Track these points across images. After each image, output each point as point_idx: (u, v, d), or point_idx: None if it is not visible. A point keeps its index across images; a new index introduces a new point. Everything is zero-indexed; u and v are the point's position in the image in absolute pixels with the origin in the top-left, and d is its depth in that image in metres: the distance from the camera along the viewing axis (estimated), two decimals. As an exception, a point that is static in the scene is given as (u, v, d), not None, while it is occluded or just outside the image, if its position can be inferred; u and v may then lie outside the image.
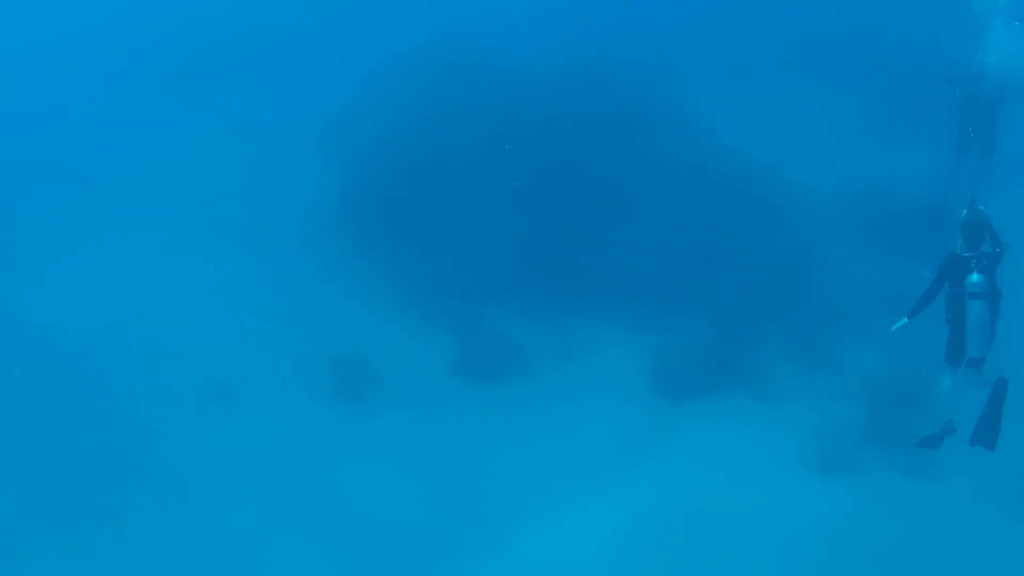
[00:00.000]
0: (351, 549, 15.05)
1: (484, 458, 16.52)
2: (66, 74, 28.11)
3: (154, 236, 23.26)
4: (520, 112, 21.62)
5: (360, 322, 19.70)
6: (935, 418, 13.05)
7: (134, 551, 15.34)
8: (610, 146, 21.29)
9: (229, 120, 25.67)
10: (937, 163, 19.80)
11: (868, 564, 13.81)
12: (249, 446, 17.19)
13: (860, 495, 14.92)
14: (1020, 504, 14.58)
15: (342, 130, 23.09)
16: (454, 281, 19.96)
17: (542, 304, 19.58)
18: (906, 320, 12.88)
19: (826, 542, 14.16)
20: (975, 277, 11.65)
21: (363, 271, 20.89)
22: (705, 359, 17.75)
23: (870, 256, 19.67)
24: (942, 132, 19.47)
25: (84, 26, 28.35)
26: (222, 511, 15.93)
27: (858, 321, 18.22)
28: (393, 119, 22.01)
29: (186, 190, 24.27)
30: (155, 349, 19.76)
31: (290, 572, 14.82)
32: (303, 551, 15.12)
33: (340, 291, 20.59)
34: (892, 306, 17.71)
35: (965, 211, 12.16)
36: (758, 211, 20.62)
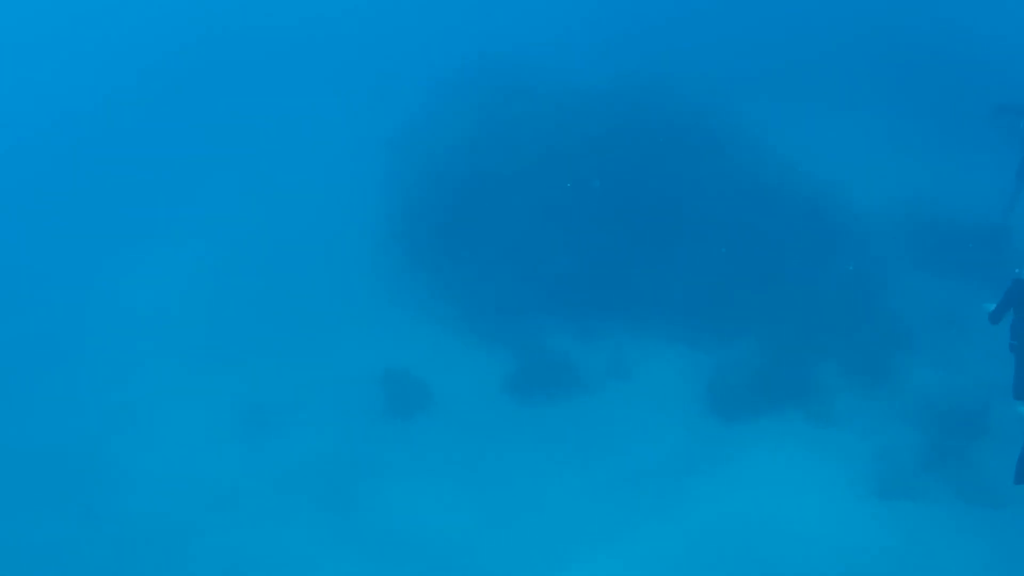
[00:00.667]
0: (404, 570, 15.03)
1: (537, 478, 16.38)
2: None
3: (205, 247, 23.63)
4: (577, 127, 21.64)
5: (412, 338, 19.69)
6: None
7: (186, 572, 15.47)
8: (668, 161, 21.21)
9: (287, 133, 25.89)
10: (998, 186, 19.44)
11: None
12: (300, 465, 17.25)
13: (918, 522, 14.60)
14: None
15: (399, 145, 23.30)
16: (508, 296, 19.91)
17: (597, 319, 19.46)
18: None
19: (883, 570, 13.90)
20: None
21: (416, 286, 20.91)
22: (762, 379, 17.51)
23: (931, 278, 19.37)
24: (1005, 155, 19.24)
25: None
26: (273, 531, 15.99)
27: (918, 344, 17.99)
28: (449, 135, 22.12)
29: (240, 202, 24.67)
30: (201, 363, 20.01)
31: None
32: (355, 572, 15.09)
33: (393, 307, 20.63)
34: (952, 328, 17.71)
35: None
36: (819, 229, 20.43)
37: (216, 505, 16.61)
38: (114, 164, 26.85)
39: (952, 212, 20.28)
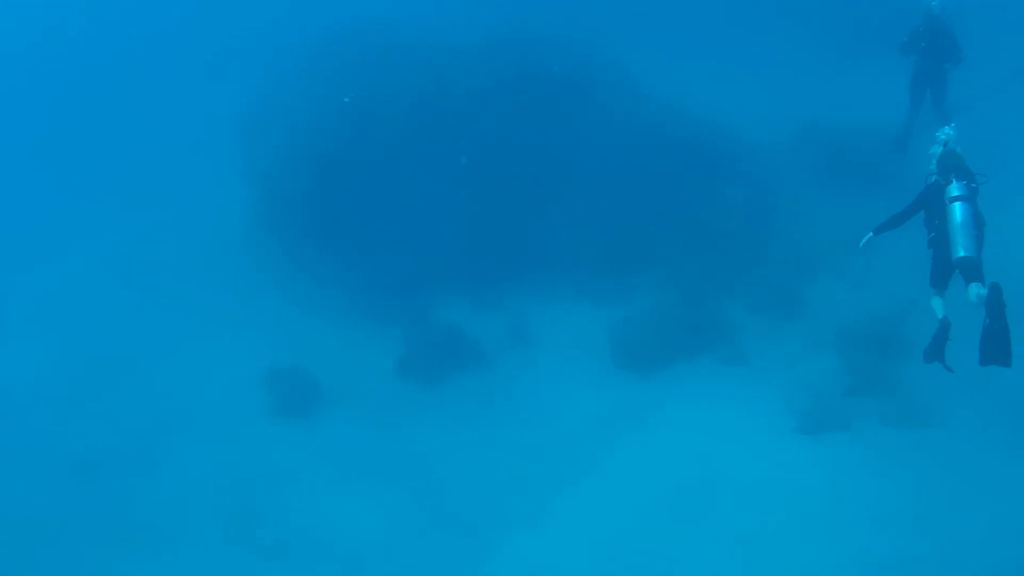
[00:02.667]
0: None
1: (453, 460, 15.50)
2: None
3: (58, 249, 22.44)
4: (446, 88, 20.50)
5: (293, 331, 18.61)
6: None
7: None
8: (546, 114, 20.22)
9: (133, 124, 24.49)
10: (891, 98, 18.95)
11: (868, 521, 12.95)
12: (192, 480, 16.07)
13: (846, 451, 14.03)
14: (1013, 443, 13.58)
15: (257, 125, 21.90)
16: (390, 275, 18.79)
17: (489, 287, 18.65)
18: (871, 235, 12.88)
19: (823, 503, 13.31)
20: (955, 184, 11.60)
21: (290, 275, 19.80)
22: (668, 326, 16.80)
23: (830, 199, 18.79)
24: (892, 66, 18.81)
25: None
26: (181, 558, 14.84)
27: (825, 268, 17.44)
28: (312, 110, 20.76)
29: (91, 202, 23.54)
30: (63, 377, 18.84)
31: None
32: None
33: (267, 300, 19.51)
34: (857, 247, 17.09)
35: (940, 148, 12.23)
36: (706, 165, 19.78)
37: (105, 533, 15.41)
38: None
39: (844, 131, 19.74)
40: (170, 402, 17.70)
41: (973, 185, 11.65)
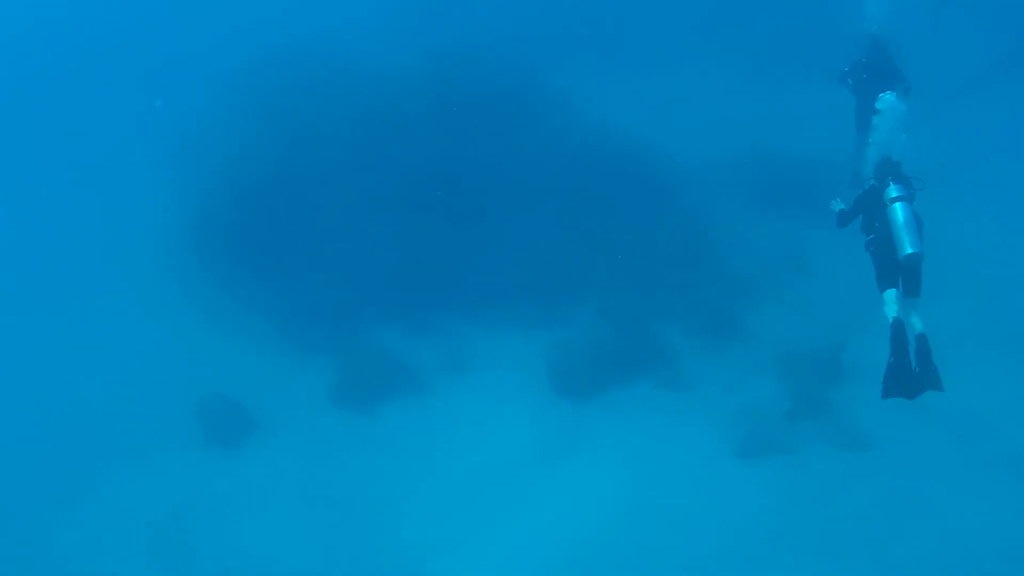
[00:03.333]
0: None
1: (388, 488, 15.09)
2: None
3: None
4: (379, 114, 20.27)
5: (223, 360, 17.99)
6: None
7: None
8: (480, 138, 20.01)
9: (56, 141, 23.82)
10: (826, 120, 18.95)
11: (812, 545, 12.80)
12: (121, 516, 15.50)
13: (790, 475, 13.86)
14: (954, 464, 13.64)
15: (185, 147, 21.41)
16: (322, 301, 18.36)
17: (423, 313, 18.27)
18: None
19: (766, 528, 13.11)
20: (893, 185, 11.67)
21: (221, 301, 19.10)
22: (605, 351, 16.52)
23: (767, 223, 18.66)
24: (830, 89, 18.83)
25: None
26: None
27: (763, 291, 17.31)
28: (243, 131, 20.40)
29: (13, 223, 22.54)
30: None
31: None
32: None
33: (196, 327, 18.83)
34: (797, 270, 17.12)
35: (878, 155, 12.26)
36: (644, 189, 19.55)
37: (27, 568, 14.93)
38: None
39: (782, 155, 19.73)
40: (97, 433, 17.15)
41: (911, 190, 11.73)
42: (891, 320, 11.21)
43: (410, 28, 22.64)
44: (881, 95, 12.59)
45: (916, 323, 11.19)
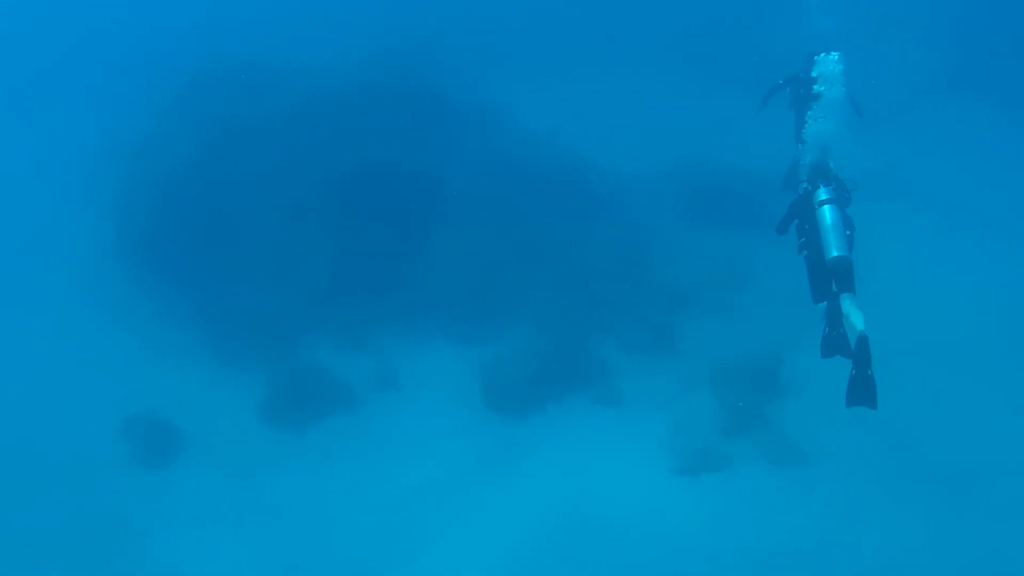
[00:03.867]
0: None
1: (320, 507, 14.69)
2: None
3: None
4: (308, 124, 20.01)
5: (150, 376, 17.41)
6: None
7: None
8: (410, 149, 19.80)
9: None
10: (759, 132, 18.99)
11: (750, 561, 12.75)
12: (47, 537, 14.77)
13: (728, 491, 13.79)
14: (892, 480, 13.69)
15: (111, 157, 20.81)
16: (251, 315, 17.85)
17: (355, 328, 17.84)
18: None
19: (704, 544, 13.02)
20: (822, 188, 11.80)
21: (145, 316, 18.57)
22: (541, 365, 16.31)
23: (702, 235, 18.67)
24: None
25: None
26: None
27: (698, 305, 17.24)
28: (169, 140, 19.85)
29: None
30: None
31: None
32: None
33: (121, 342, 18.19)
34: (732, 283, 17.07)
35: (810, 157, 12.48)
36: (576, 201, 19.53)
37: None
38: None
39: (716, 168, 19.79)
40: (18, 452, 16.42)
41: (845, 194, 11.90)
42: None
43: (344, 35, 22.38)
44: (816, 104, 13.00)
45: (856, 322, 11.11)
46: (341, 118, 19.99)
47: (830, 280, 11.51)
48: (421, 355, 17.31)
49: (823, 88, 13.38)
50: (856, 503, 13.25)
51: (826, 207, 11.53)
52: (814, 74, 13.51)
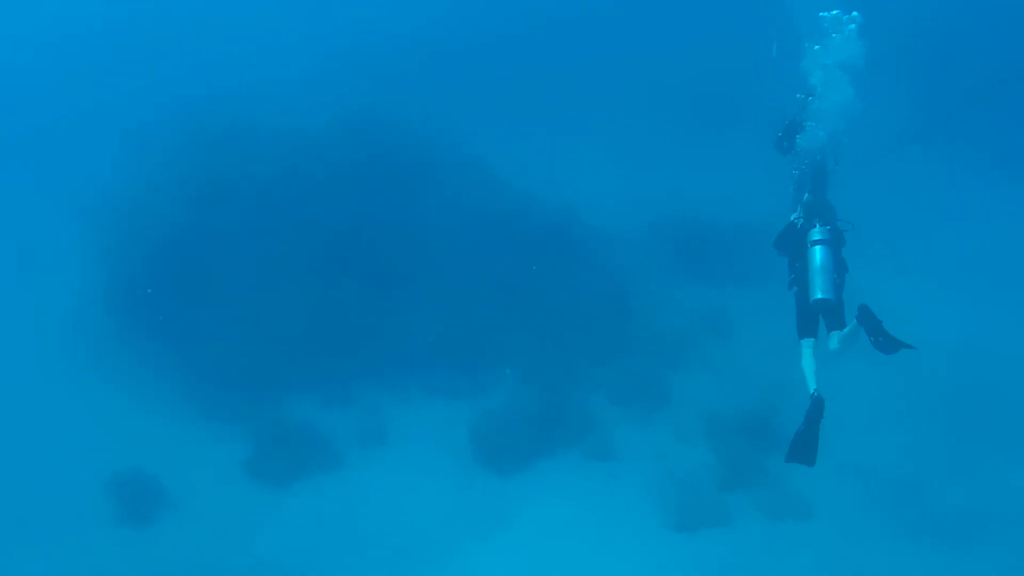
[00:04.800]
0: None
1: (304, 566, 14.29)
2: None
3: None
4: (294, 179, 19.86)
5: (134, 433, 16.97)
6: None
7: None
8: (396, 204, 19.69)
9: None
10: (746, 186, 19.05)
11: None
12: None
13: (727, 547, 13.50)
14: (891, 529, 13.55)
15: (98, 210, 20.48)
16: (235, 370, 17.52)
17: (340, 384, 17.60)
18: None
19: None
20: (816, 228, 11.48)
21: (131, 370, 18.24)
22: (530, 419, 16.08)
23: (687, 284, 18.71)
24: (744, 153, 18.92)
25: None
26: None
27: (688, 357, 17.15)
28: (156, 194, 19.68)
29: None
30: None
31: None
32: None
33: (106, 398, 17.81)
34: (721, 334, 16.99)
35: (807, 196, 12.10)
36: (562, 256, 19.40)
37: None
38: None
39: (698, 217, 19.90)
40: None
41: (839, 232, 11.62)
42: (811, 391, 10.82)
43: (326, 91, 22.35)
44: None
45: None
46: (327, 175, 19.89)
47: (817, 318, 11.30)
48: (408, 410, 17.10)
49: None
50: (856, 557, 13.03)
51: (817, 248, 11.30)
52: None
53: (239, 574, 14.33)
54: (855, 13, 12.96)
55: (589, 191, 20.79)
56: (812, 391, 10.72)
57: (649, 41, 24.27)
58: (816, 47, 15.25)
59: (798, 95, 14.59)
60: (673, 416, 16.02)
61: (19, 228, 22.47)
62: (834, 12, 12.98)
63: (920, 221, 20.03)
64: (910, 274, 18.36)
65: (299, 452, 16.19)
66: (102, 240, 19.79)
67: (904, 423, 14.54)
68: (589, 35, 24.92)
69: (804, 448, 10.56)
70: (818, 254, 11.26)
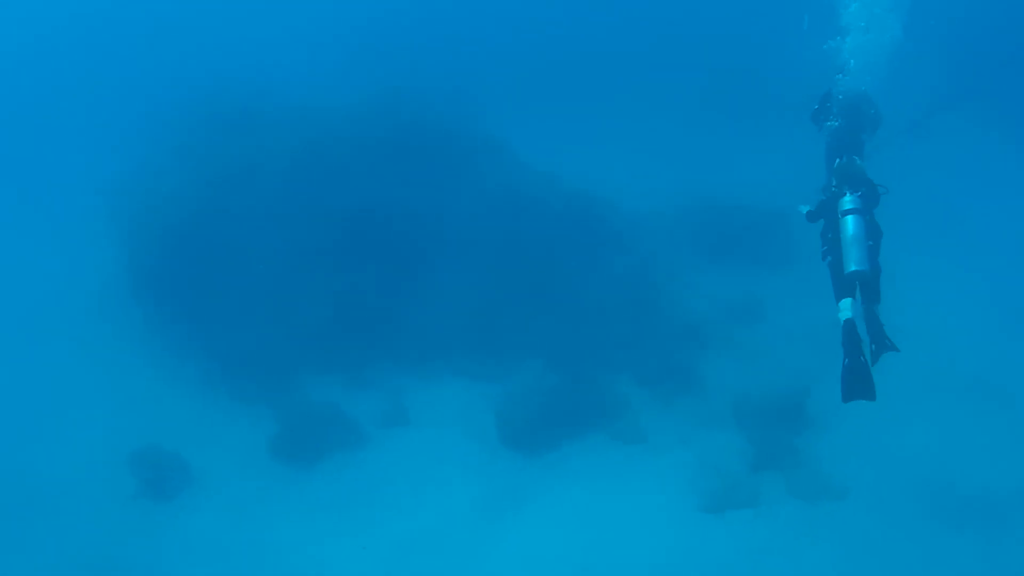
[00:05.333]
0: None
1: (327, 546, 14.13)
2: None
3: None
4: (319, 159, 19.64)
5: (159, 409, 17.01)
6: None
7: None
8: (422, 185, 19.47)
9: None
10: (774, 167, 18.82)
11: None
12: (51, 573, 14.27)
13: (758, 530, 13.19)
14: (928, 510, 13.25)
15: (123, 190, 20.44)
16: (260, 350, 17.48)
17: (364, 364, 17.48)
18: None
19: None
20: (848, 197, 11.03)
21: (157, 348, 18.25)
22: (555, 403, 15.79)
23: (715, 268, 18.50)
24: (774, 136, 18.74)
25: None
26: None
27: (716, 339, 16.93)
28: (180, 175, 19.59)
29: None
30: None
31: None
32: None
33: (131, 375, 17.88)
34: (747, 317, 16.78)
35: (838, 161, 11.67)
36: (589, 236, 19.23)
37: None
38: None
39: (726, 201, 19.64)
40: (22, 484, 15.97)
41: (869, 201, 11.22)
42: (843, 321, 10.58)
43: (352, 72, 22.22)
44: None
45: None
46: (349, 157, 19.69)
47: (855, 286, 10.86)
48: (431, 391, 16.93)
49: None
50: (890, 539, 12.72)
51: (849, 217, 10.88)
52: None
53: (259, 551, 14.18)
54: None
55: (615, 173, 20.55)
56: (843, 320, 10.44)
57: (675, 20, 24.04)
58: None
59: (837, 75, 14.37)
60: (702, 398, 15.78)
61: (45, 211, 22.48)
62: None
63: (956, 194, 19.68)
64: (947, 252, 18.11)
65: (322, 433, 16.05)
66: (126, 222, 19.70)
67: (941, 405, 14.26)
68: (614, 16, 24.71)
69: (858, 382, 10.21)
70: (850, 224, 10.84)
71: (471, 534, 14.02)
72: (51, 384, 18.08)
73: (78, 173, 22.57)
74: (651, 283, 18.21)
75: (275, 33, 24.23)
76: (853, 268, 10.63)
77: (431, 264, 18.54)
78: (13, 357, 18.97)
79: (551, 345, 17.07)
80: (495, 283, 18.09)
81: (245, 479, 15.58)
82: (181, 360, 17.93)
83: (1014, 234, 18.95)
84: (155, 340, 18.46)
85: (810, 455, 14.05)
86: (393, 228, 18.76)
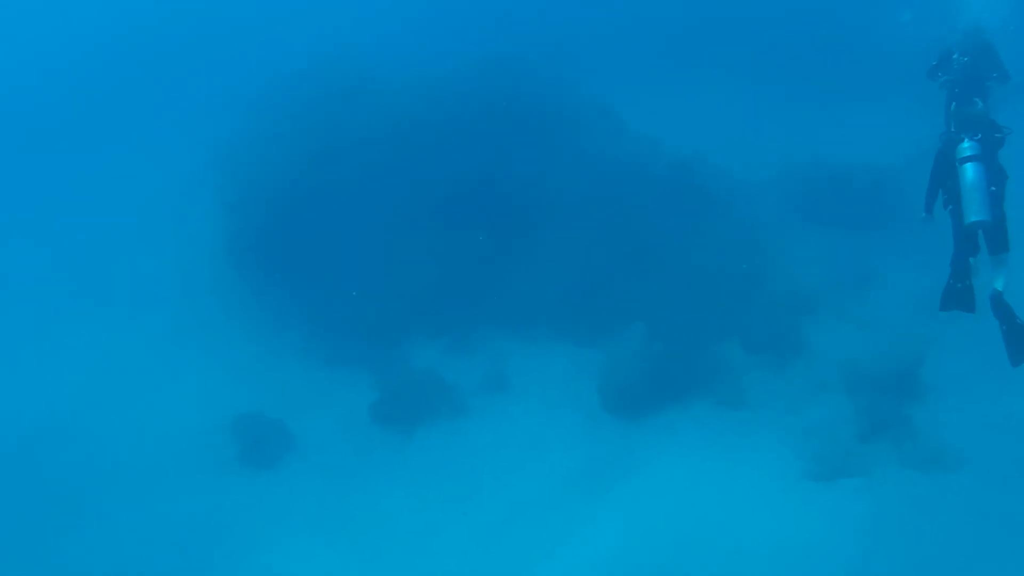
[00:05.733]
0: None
1: (429, 516, 14.13)
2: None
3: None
4: (420, 127, 19.57)
5: (261, 376, 17.38)
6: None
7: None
8: (525, 152, 19.34)
9: (99, 156, 23.67)
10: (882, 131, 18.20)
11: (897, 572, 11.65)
12: (152, 540, 14.59)
13: (866, 499, 12.73)
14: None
15: (228, 163, 20.78)
16: (362, 317, 17.65)
17: (465, 330, 17.56)
18: (924, 214, 11.26)
19: (840, 555, 11.96)
20: (966, 142, 10.57)
21: (258, 316, 18.61)
22: (658, 368, 15.53)
23: (824, 234, 17.97)
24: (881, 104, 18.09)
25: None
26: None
27: (825, 306, 16.44)
28: (283, 144, 19.78)
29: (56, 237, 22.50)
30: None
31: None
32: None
33: (235, 341, 18.31)
34: (858, 283, 16.31)
35: (954, 104, 11.23)
36: (694, 203, 18.78)
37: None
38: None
39: (835, 166, 19.06)
40: (128, 448, 16.48)
41: (996, 136, 10.71)
42: (989, 294, 10.23)
43: (454, 41, 22.14)
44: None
45: (997, 284, 10.24)
46: (452, 122, 19.61)
47: (977, 238, 10.48)
48: (534, 357, 16.84)
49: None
50: (1007, 514, 12.07)
51: (968, 165, 10.42)
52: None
53: (358, 520, 14.30)
54: None
55: (719, 136, 20.09)
56: (991, 293, 10.16)
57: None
58: None
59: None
60: (810, 365, 15.34)
61: (155, 182, 22.90)
62: None
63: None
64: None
65: (423, 399, 16.12)
66: (232, 192, 20.00)
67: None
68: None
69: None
70: (969, 172, 10.41)
71: (573, 502, 13.87)
72: (156, 353, 18.53)
73: (187, 145, 22.93)
74: (757, 248, 17.76)
75: (379, 4, 24.21)
76: (973, 219, 10.23)
77: (535, 229, 18.42)
78: (120, 325, 19.48)
79: (655, 311, 16.68)
80: (599, 249, 17.90)
81: (346, 445, 15.74)
82: (283, 327, 18.18)
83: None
84: (258, 308, 18.76)
85: (923, 424, 13.53)
86: (497, 194, 18.65)
